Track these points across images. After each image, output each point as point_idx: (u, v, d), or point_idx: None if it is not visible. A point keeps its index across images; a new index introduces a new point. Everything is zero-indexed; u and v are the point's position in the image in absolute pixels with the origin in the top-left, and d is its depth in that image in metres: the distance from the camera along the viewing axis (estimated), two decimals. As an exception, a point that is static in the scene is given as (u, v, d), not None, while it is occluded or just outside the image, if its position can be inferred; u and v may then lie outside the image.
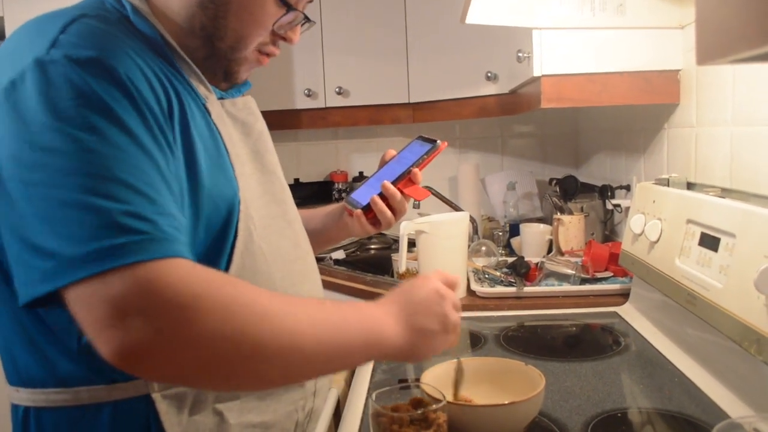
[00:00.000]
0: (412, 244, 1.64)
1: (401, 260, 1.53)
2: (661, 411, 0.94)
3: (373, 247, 2.27)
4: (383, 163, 1.12)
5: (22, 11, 2.15)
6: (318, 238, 1.09)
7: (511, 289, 1.52)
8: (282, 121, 2.41)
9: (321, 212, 1.14)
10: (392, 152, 1.12)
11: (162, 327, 0.59)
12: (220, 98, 0.86)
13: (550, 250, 1.82)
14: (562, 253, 1.73)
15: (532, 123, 2.59)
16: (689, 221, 1.13)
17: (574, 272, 1.54)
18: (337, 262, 2.08)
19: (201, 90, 0.81)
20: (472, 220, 2.03)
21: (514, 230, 2.07)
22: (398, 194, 1.04)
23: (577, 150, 2.52)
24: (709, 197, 1.11)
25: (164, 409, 0.74)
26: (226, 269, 0.77)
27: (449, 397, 0.87)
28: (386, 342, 0.75)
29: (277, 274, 0.84)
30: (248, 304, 0.64)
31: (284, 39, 0.86)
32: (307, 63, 2.38)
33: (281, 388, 0.85)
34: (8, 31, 2.22)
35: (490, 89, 2.09)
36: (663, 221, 1.23)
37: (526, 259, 1.67)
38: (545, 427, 0.89)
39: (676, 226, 1.17)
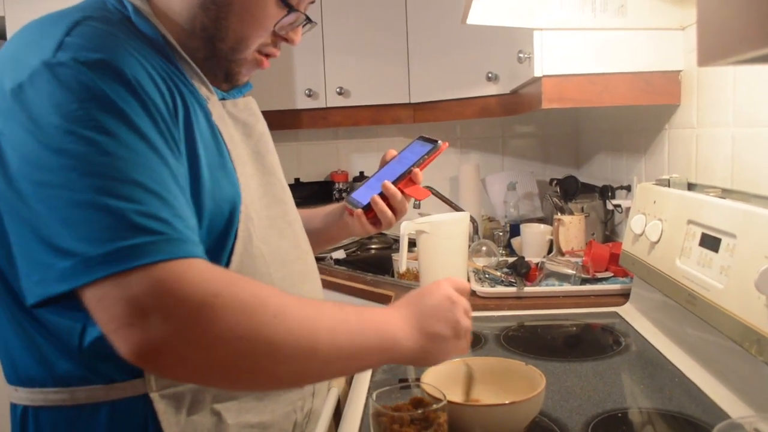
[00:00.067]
0: (412, 244, 1.64)
1: (402, 260, 1.53)
2: (661, 411, 0.94)
3: (373, 246, 2.27)
4: (384, 163, 1.12)
5: (22, 11, 2.15)
6: (318, 237, 1.09)
7: (512, 289, 1.52)
8: (283, 121, 2.41)
9: (321, 212, 1.14)
10: (393, 152, 1.12)
11: (179, 326, 0.60)
12: (222, 99, 0.86)
13: (550, 251, 1.82)
14: (562, 254, 1.73)
15: (532, 123, 2.59)
16: (690, 222, 1.13)
17: (574, 272, 1.54)
18: (337, 261, 2.08)
19: (202, 91, 0.81)
20: (473, 220, 2.03)
21: (514, 230, 2.07)
22: (399, 194, 1.04)
23: (577, 150, 2.52)
24: (709, 198, 1.11)
25: (162, 408, 0.75)
26: None
27: (460, 400, 0.87)
28: (400, 346, 0.75)
29: (276, 274, 0.84)
30: (265, 304, 0.65)
31: (285, 40, 0.86)
32: (307, 63, 2.38)
33: (280, 388, 0.86)
34: (9, 31, 2.22)
35: (491, 89, 2.09)
36: (664, 222, 1.23)
37: (526, 259, 1.67)
38: (546, 427, 0.89)
39: (677, 227, 1.17)
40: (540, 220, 2.11)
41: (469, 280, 1.59)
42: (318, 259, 1.00)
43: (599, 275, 1.56)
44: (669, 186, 1.33)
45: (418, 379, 0.87)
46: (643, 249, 1.29)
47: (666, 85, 1.47)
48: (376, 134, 2.72)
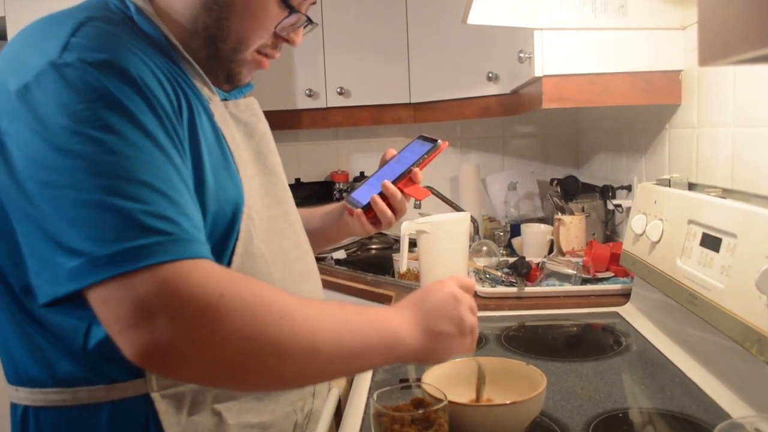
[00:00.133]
0: (413, 244, 1.64)
1: (402, 260, 1.53)
2: (662, 411, 0.94)
3: (374, 247, 2.27)
4: (384, 162, 1.12)
5: (23, 11, 2.15)
6: (317, 237, 1.09)
7: (512, 289, 1.52)
8: (283, 121, 2.41)
9: (319, 212, 1.14)
10: (393, 152, 1.12)
11: (185, 327, 0.60)
12: (224, 99, 0.86)
13: (551, 251, 1.82)
14: (563, 254, 1.73)
15: (533, 123, 2.59)
16: (690, 222, 1.13)
17: (575, 272, 1.54)
18: (338, 261, 2.08)
19: (205, 91, 0.81)
20: (473, 220, 2.03)
21: (515, 230, 2.07)
22: (398, 193, 1.04)
23: (578, 150, 2.52)
24: (710, 198, 1.11)
25: (163, 408, 0.75)
26: None
27: (468, 399, 0.87)
28: (403, 345, 0.75)
29: (277, 274, 0.84)
30: (270, 305, 0.65)
31: (286, 41, 0.86)
32: (308, 63, 2.38)
33: (280, 389, 0.86)
34: (9, 32, 2.22)
35: (492, 89, 2.09)
36: (664, 221, 1.23)
37: (527, 259, 1.67)
38: (546, 427, 0.89)
39: (678, 227, 1.17)
40: (540, 220, 2.11)
41: (469, 280, 1.59)
42: (318, 259, 1.00)
43: (600, 275, 1.56)
44: (669, 186, 1.33)
45: (419, 380, 0.87)
46: (644, 249, 1.29)
47: (666, 85, 1.47)
48: (376, 134, 2.72)
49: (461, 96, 2.19)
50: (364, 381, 1.09)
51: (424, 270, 1.57)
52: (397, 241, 1.73)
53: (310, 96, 2.38)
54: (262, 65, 0.87)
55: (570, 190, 2.03)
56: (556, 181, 2.16)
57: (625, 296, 1.45)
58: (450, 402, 0.78)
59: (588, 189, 2.06)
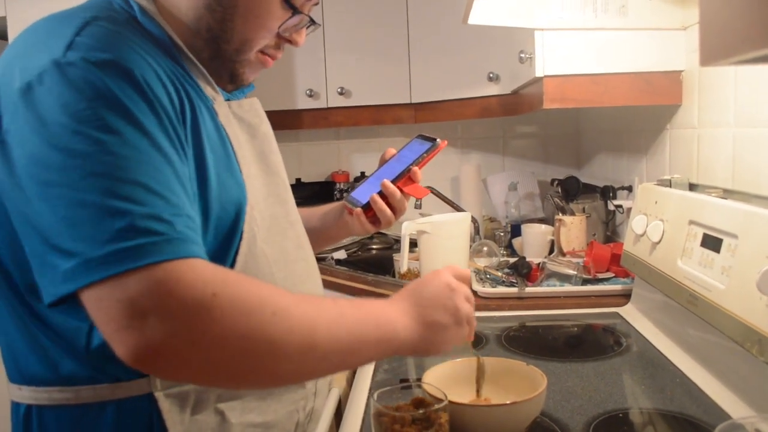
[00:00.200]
0: (413, 244, 1.64)
1: (403, 260, 1.53)
2: (662, 411, 0.94)
3: (374, 246, 2.27)
4: (383, 161, 1.12)
5: (23, 11, 2.15)
6: (317, 236, 1.09)
7: (513, 290, 1.52)
8: (284, 122, 2.41)
9: (318, 211, 1.14)
10: (392, 151, 1.12)
11: (178, 327, 0.59)
12: (227, 100, 0.86)
13: (551, 251, 1.82)
14: (563, 254, 1.73)
15: (533, 123, 2.59)
16: (691, 222, 1.13)
17: (575, 273, 1.54)
18: (338, 261, 2.08)
19: (208, 91, 0.81)
20: (474, 220, 2.03)
21: (515, 231, 2.07)
22: (398, 193, 1.04)
23: (578, 151, 2.52)
24: (711, 198, 1.11)
25: (167, 407, 0.75)
26: None
27: (468, 398, 0.87)
28: (399, 338, 0.75)
29: (278, 274, 0.84)
30: (263, 303, 0.64)
31: (289, 41, 0.86)
32: (308, 63, 2.38)
33: (282, 388, 0.86)
34: (10, 31, 2.22)
35: (492, 90, 2.09)
36: (665, 222, 1.23)
37: (527, 259, 1.67)
38: (547, 428, 0.89)
39: (678, 227, 1.17)
40: (541, 221, 2.11)
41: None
42: (319, 259, 1.00)
43: (600, 276, 1.56)
44: (670, 186, 1.33)
45: (419, 379, 0.87)
46: (645, 249, 1.29)
47: (667, 86, 1.47)
48: (377, 134, 2.72)
49: (462, 96, 2.19)
50: (364, 381, 1.09)
51: (425, 270, 1.57)
52: (398, 241, 1.73)
53: (310, 96, 2.39)
54: (266, 64, 0.87)
55: (571, 191, 2.03)
56: (556, 182, 2.16)
57: (625, 297, 1.45)
58: (450, 402, 0.78)
59: (589, 189, 2.06)
